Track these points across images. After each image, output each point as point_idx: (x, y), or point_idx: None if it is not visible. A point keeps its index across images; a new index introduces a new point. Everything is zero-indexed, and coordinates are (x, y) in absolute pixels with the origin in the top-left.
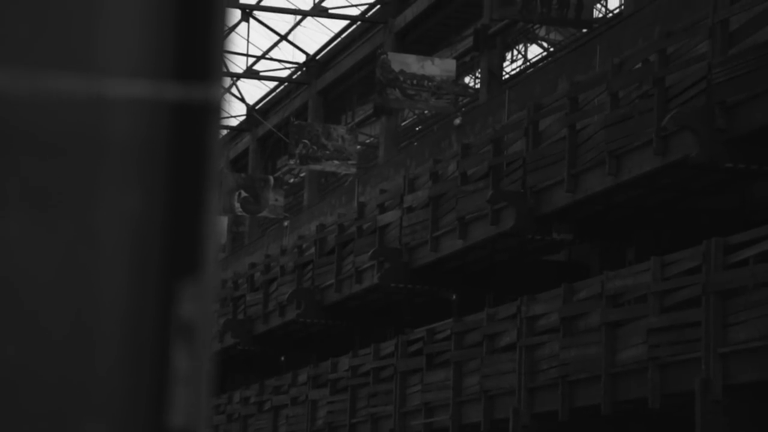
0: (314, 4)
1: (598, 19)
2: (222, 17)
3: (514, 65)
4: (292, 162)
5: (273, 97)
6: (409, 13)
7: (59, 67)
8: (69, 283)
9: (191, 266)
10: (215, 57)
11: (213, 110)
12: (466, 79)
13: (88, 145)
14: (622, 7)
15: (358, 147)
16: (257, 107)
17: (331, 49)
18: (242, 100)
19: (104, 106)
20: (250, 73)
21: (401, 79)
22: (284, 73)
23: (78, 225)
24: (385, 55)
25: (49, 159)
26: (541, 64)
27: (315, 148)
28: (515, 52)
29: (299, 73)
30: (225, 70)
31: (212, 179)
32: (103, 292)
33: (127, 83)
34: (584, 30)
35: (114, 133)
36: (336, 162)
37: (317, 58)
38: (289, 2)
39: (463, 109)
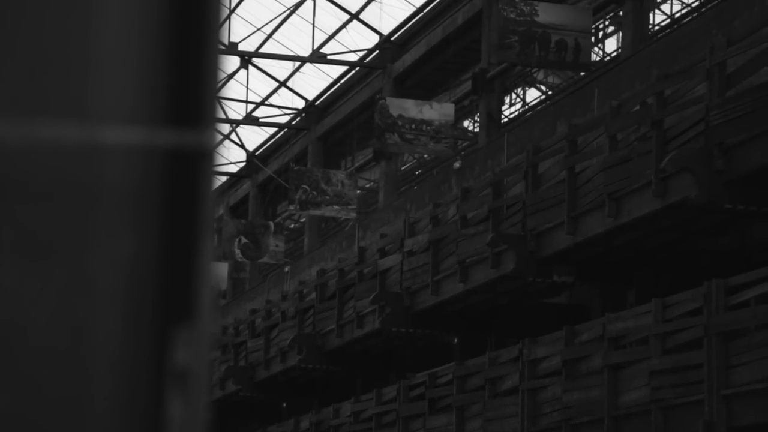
0: (313, 50)
1: (595, 62)
2: (215, 62)
3: (513, 109)
4: (292, 207)
5: (273, 143)
6: (408, 58)
7: (53, 115)
8: (63, 331)
9: (186, 312)
10: (209, 103)
11: (207, 156)
12: (465, 123)
13: (82, 193)
14: (620, 50)
15: (358, 192)
16: (257, 153)
17: (330, 94)
18: (242, 146)
19: (98, 153)
20: (250, 120)
21: (400, 123)
22: (284, 119)
23: (72, 273)
24: (383, 100)
25: (42, 207)
26: (539, 107)
27: (315, 193)
28: (514, 96)
29: (299, 118)
30: (219, 116)
31: (206, 225)
32: (97, 340)
33: (121, 130)
34: (582, 73)
35: (108, 180)
36: (336, 207)
37: (316, 103)
38: (288, 49)
39: (463, 152)
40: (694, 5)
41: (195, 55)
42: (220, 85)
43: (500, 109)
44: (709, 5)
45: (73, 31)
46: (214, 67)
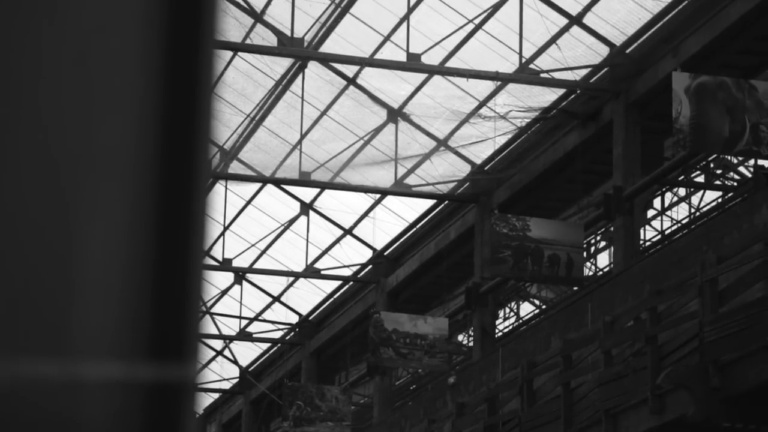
0: (306, 265)
1: (588, 277)
2: (197, 296)
3: (507, 323)
4: (285, 424)
5: (266, 358)
6: (401, 273)
7: (33, 352)
8: None
9: None
10: (191, 336)
11: (188, 390)
12: (459, 337)
13: (63, 430)
14: (612, 265)
15: (353, 407)
16: (250, 369)
17: (323, 309)
18: (235, 362)
19: (79, 390)
20: (243, 335)
21: (394, 338)
22: (277, 334)
23: None
24: (377, 315)
25: None
26: (533, 321)
27: (309, 409)
28: (507, 310)
29: (292, 333)
30: (212, 332)
31: None
32: None
33: (102, 365)
34: (575, 288)
35: (89, 416)
36: (330, 423)
37: (310, 318)
38: (282, 264)
39: (457, 367)
40: (684, 222)
41: (177, 289)
42: (213, 301)
43: (494, 323)
44: (699, 222)
45: (55, 265)
46: (197, 301)
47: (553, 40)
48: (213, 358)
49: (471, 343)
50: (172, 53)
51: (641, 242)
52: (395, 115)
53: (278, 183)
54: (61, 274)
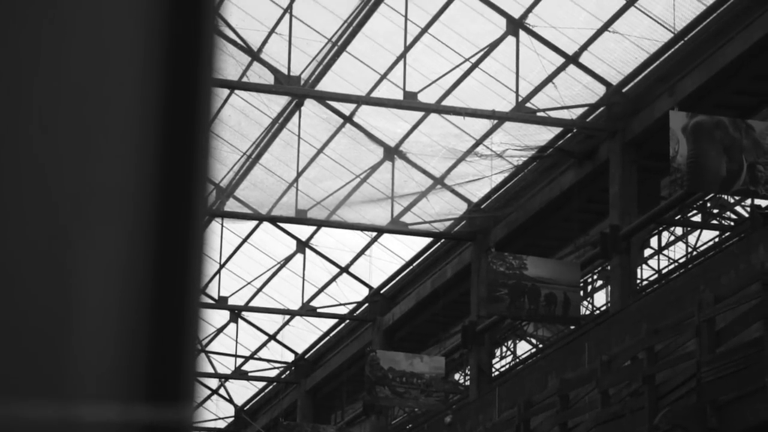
0: (302, 303)
1: (585, 316)
2: (194, 338)
3: (504, 362)
4: None
5: (262, 397)
6: (397, 311)
7: (31, 395)
8: None
9: None
10: (187, 378)
11: (185, 431)
12: (456, 376)
13: None
14: (609, 304)
15: None
16: (246, 408)
17: (319, 347)
18: (230, 401)
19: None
20: (239, 374)
21: (390, 376)
22: (273, 373)
23: None
24: (374, 353)
25: None
26: (530, 360)
27: None
28: (504, 349)
29: (288, 372)
30: (208, 370)
31: None
32: None
33: (98, 407)
34: (572, 327)
35: None
36: None
37: (306, 356)
38: (278, 302)
39: (454, 406)
40: (681, 261)
41: (174, 329)
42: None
43: (491, 362)
44: (696, 262)
45: (52, 306)
46: (194, 341)
47: (549, 79)
48: (208, 397)
49: (467, 382)
50: (170, 91)
51: (638, 281)
52: (392, 153)
53: (274, 221)
54: (58, 314)
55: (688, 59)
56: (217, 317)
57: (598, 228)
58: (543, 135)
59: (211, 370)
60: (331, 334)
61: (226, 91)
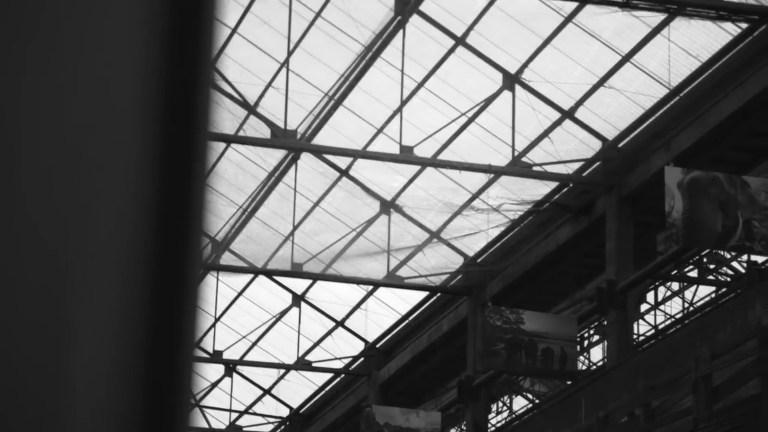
0: (298, 357)
1: (582, 371)
2: (189, 390)
3: (500, 417)
4: None
5: None
6: (393, 366)
7: None
8: None
9: None
10: (181, 421)
11: None
12: (452, 431)
13: None
14: (605, 359)
15: None
16: None
17: (315, 402)
18: None
19: None
20: (233, 429)
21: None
22: (268, 428)
23: None
24: (369, 408)
25: None
26: (526, 416)
27: None
28: (500, 404)
29: (283, 427)
30: (202, 425)
31: None
32: None
33: None
34: (569, 382)
35: None
36: None
37: (301, 411)
38: (273, 356)
39: None
40: (677, 316)
41: (168, 386)
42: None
43: (487, 417)
44: (693, 317)
45: (43, 360)
46: (188, 398)
47: (545, 133)
48: None
49: None
50: (166, 144)
51: (635, 336)
52: (388, 206)
53: (270, 274)
54: (50, 373)
55: (683, 115)
56: (211, 371)
57: (594, 283)
58: (539, 189)
59: (206, 425)
60: (327, 389)
61: (223, 145)
